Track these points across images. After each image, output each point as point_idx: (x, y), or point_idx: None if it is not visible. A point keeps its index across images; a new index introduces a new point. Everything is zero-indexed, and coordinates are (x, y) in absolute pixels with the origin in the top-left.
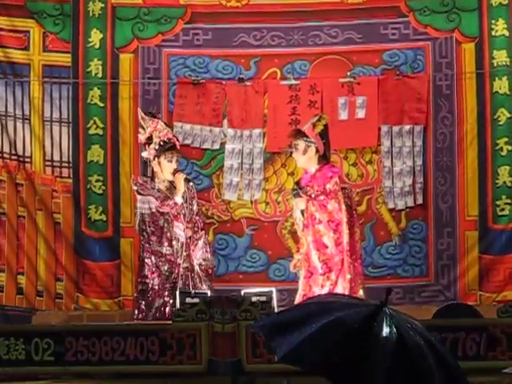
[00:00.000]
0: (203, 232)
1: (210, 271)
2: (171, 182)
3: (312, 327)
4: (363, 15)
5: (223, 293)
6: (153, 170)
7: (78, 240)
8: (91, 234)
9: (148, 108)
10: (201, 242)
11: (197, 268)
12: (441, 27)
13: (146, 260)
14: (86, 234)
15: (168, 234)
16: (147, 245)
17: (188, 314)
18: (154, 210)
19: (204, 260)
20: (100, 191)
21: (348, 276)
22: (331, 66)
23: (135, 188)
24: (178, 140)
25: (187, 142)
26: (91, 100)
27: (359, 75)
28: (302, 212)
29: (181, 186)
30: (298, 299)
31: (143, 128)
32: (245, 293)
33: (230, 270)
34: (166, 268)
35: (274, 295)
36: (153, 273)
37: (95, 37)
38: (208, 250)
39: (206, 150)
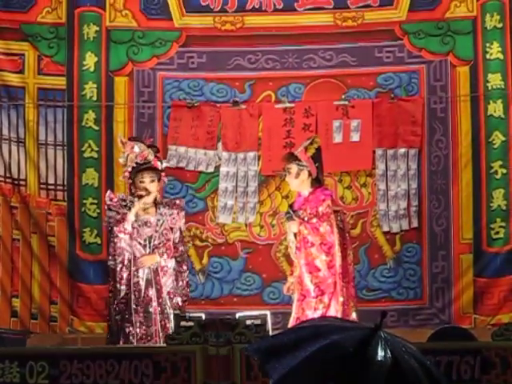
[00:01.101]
0: (172, 260)
1: (179, 302)
2: (155, 203)
3: (306, 351)
4: (358, 38)
5: (218, 316)
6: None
7: (73, 263)
8: (86, 257)
9: (142, 131)
10: (170, 270)
11: (164, 295)
12: (435, 50)
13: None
14: (81, 256)
15: (113, 250)
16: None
17: (182, 337)
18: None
19: (172, 288)
20: (95, 214)
21: (341, 299)
22: (326, 89)
23: (107, 203)
24: (159, 160)
25: (181, 164)
26: (86, 123)
27: (354, 98)
28: (295, 235)
29: (135, 205)
30: (291, 322)
31: (123, 152)
32: (239, 316)
33: (225, 293)
34: (115, 284)
35: (269, 318)
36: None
37: (90, 60)
38: (180, 278)
39: (200, 172)
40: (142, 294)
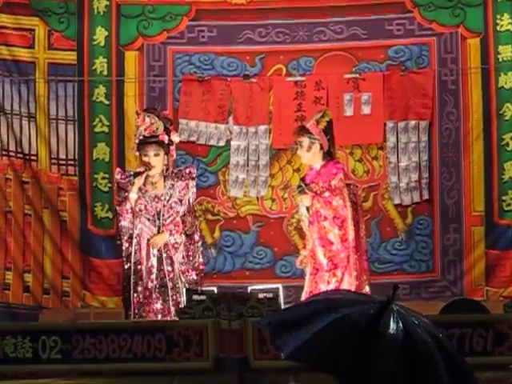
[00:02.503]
0: (182, 235)
1: (194, 277)
2: (164, 176)
3: (318, 324)
4: (368, 11)
5: (230, 290)
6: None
7: (84, 238)
8: (97, 232)
9: (153, 105)
10: (181, 247)
11: (176, 271)
12: (446, 23)
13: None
14: (92, 231)
15: (118, 229)
16: None
17: (194, 311)
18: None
19: (184, 264)
20: (106, 189)
21: (354, 272)
22: (336, 62)
23: (116, 180)
24: (168, 133)
25: (193, 138)
26: (96, 98)
27: (364, 71)
28: (308, 209)
29: (136, 181)
30: (304, 296)
31: (136, 124)
32: (251, 289)
33: (237, 266)
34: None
35: (281, 292)
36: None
37: (100, 34)
38: (191, 253)
39: (211, 146)
40: (155, 270)
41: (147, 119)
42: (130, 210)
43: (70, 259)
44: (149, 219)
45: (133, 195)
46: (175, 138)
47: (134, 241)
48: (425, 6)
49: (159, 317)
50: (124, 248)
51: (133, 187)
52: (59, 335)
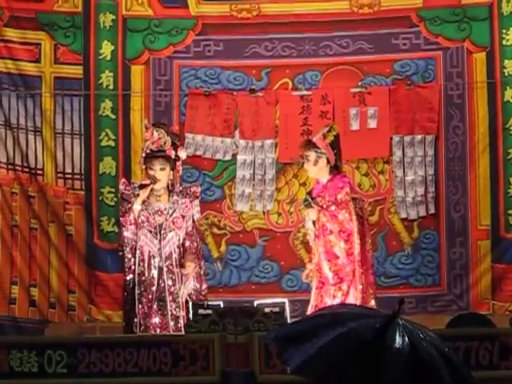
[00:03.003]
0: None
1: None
2: (169, 190)
3: (324, 338)
4: (374, 25)
5: (236, 304)
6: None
7: (90, 251)
8: (103, 246)
9: (159, 119)
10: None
11: (178, 286)
12: (452, 37)
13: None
14: (98, 245)
15: (120, 240)
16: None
17: (201, 325)
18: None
19: (194, 290)
20: (112, 203)
21: (359, 286)
22: (342, 76)
23: (120, 191)
24: (175, 148)
25: (199, 152)
26: (103, 112)
27: (370, 85)
28: (314, 222)
29: (140, 193)
30: (309, 310)
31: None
32: (258, 304)
33: (243, 280)
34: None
35: (287, 306)
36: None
37: (106, 48)
38: (199, 278)
39: (217, 160)
40: (155, 282)
41: (155, 133)
42: (133, 221)
43: (76, 273)
44: (150, 231)
45: (137, 206)
46: (182, 154)
47: (138, 252)
48: (431, 20)
49: (158, 331)
50: (126, 259)
51: (137, 198)
52: (65, 349)
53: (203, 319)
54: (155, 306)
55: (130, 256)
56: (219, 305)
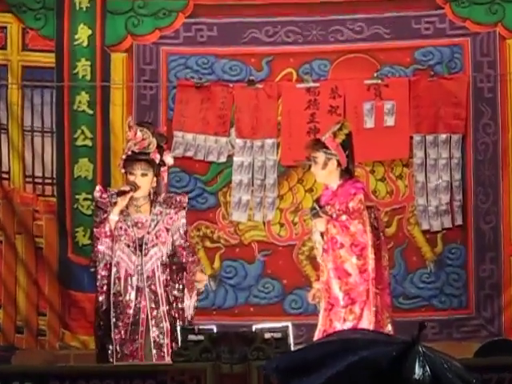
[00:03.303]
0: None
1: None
2: (151, 200)
3: (333, 369)
4: (392, 7)
5: (232, 328)
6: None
7: (64, 268)
8: (78, 261)
9: (144, 115)
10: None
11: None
12: (482, 20)
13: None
14: (73, 260)
15: (93, 255)
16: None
17: (191, 352)
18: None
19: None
20: (89, 211)
21: (374, 308)
22: (355, 65)
23: (96, 199)
24: (160, 152)
25: (189, 153)
26: (78, 106)
27: (387, 76)
28: (322, 234)
29: (118, 201)
30: (317, 335)
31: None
32: (256, 328)
33: (240, 301)
34: (98, 294)
35: (290, 331)
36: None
37: (83, 33)
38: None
39: (210, 163)
40: (132, 305)
41: (139, 133)
42: (108, 233)
43: (47, 293)
44: (128, 246)
45: (113, 217)
46: (168, 160)
47: (114, 269)
48: (458, 1)
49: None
50: (99, 276)
51: (114, 208)
52: (34, 380)
53: (194, 346)
54: (132, 333)
55: (103, 273)
56: (212, 329)
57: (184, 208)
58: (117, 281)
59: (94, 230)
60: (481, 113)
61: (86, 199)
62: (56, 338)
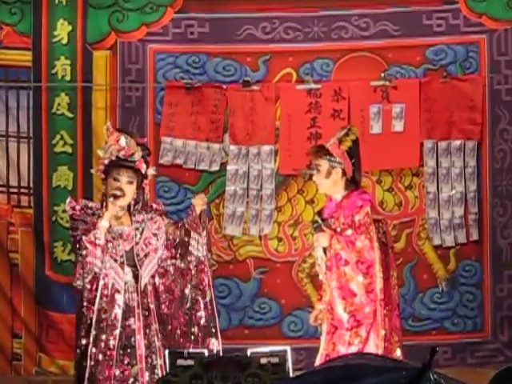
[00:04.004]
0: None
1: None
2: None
3: None
4: (401, 2)
5: (225, 352)
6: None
7: (41, 286)
8: (57, 279)
9: (129, 118)
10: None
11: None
12: (499, 16)
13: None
14: (51, 278)
15: (81, 265)
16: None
17: (180, 379)
18: (71, 239)
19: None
20: (68, 224)
21: (382, 331)
22: (360, 65)
23: (69, 213)
24: (145, 162)
25: (178, 161)
26: (57, 109)
27: (396, 77)
28: (325, 250)
29: (108, 207)
30: (318, 360)
31: (106, 143)
32: (252, 353)
33: (234, 323)
34: (79, 309)
35: (289, 355)
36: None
37: (62, 29)
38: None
39: (202, 171)
40: (119, 325)
41: (123, 140)
42: (99, 241)
43: (23, 313)
44: (116, 260)
45: (104, 223)
46: (150, 171)
47: (101, 282)
48: None
49: None
50: (86, 291)
51: (106, 212)
52: None
53: (183, 372)
54: (119, 355)
55: (89, 287)
56: (203, 353)
57: (162, 214)
58: (104, 297)
59: (82, 238)
60: (498, 117)
61: (65, 211)
62: (32, 362)
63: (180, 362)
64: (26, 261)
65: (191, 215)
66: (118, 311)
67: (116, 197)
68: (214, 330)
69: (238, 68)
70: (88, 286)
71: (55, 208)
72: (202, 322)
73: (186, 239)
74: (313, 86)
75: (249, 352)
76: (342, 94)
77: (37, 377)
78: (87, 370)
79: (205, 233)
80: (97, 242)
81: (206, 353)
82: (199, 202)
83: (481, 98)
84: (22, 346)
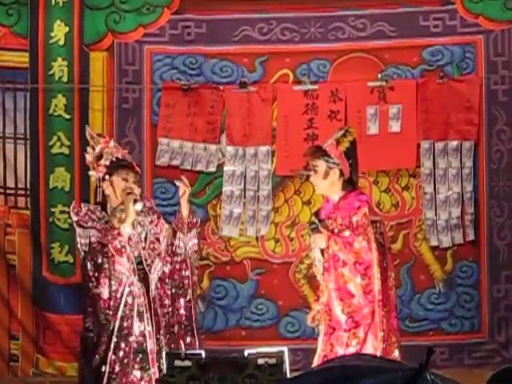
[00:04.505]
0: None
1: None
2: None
3: None
4: (398, 2)
5: (222, 353)
6: (103, 194)
7: (38, 287)
8: (54, 280)
9: (126, 119)
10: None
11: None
12: (496, 17)
13: (89, 308)
14: (48, 279)
15: (107, 273)
16: (87, 289)
17: (177, 380)
18: (94, 245)
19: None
20: (65, 225)
21: (380, 333)
22: (357, 66)
23: (75, 219)
24: (138, 165)
25: (175, 162)
26: (54, 110)
27: (393, 78)
28: (322, 251)
29: (130, 212)
30: (316, 361)
31: (92, 147)
32: (249, 353)
33: (231, 324)
34: (102, 316)
35: (286, 356)
36: (93, 323)
37: (59, 30)
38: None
39: (199, 172)
40: (134, 332)
41: (112, 142)
42: (127, 250)
43: (20, 315)
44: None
45: (128, 229)
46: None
47: (127, 289)
48: None
49: None
50: (112, 297)
51: (127, 216)
52: None
53: (180, 373)
54: (134, 360)
55: (114, 295)
56: (200, 355)
57: (156, 212)
58: (128, 305)
59: (109, 246)
60: (495, 118)
61: (62, 212)
62: (30, 363)
63: (177, 363)
64: (23, 262)
65: (178, 215)
66: (135, 317)
67: (135, 201)
68: (190, 329)
69: (234, 69)
70: (114, 294)
71: (52, 209)
72: (182, 320)
73: (173, 240)
74: (310, 86)
75: (246, 353)
76: (339, 95)
77: (34, 378)
78: (105, 376)
79: (193, 233)
80: (123, 250)
81: (203, 354)
82: (182, 186)
83: (477, 99)
84: (19, 348)
